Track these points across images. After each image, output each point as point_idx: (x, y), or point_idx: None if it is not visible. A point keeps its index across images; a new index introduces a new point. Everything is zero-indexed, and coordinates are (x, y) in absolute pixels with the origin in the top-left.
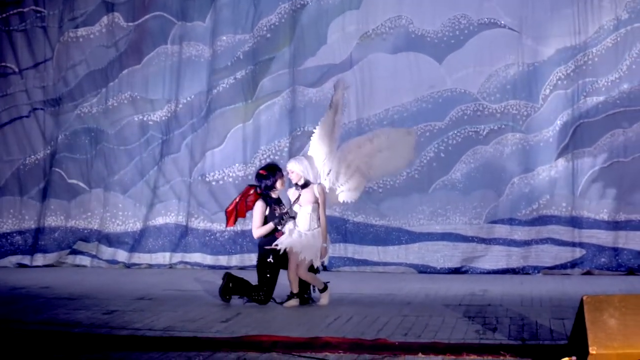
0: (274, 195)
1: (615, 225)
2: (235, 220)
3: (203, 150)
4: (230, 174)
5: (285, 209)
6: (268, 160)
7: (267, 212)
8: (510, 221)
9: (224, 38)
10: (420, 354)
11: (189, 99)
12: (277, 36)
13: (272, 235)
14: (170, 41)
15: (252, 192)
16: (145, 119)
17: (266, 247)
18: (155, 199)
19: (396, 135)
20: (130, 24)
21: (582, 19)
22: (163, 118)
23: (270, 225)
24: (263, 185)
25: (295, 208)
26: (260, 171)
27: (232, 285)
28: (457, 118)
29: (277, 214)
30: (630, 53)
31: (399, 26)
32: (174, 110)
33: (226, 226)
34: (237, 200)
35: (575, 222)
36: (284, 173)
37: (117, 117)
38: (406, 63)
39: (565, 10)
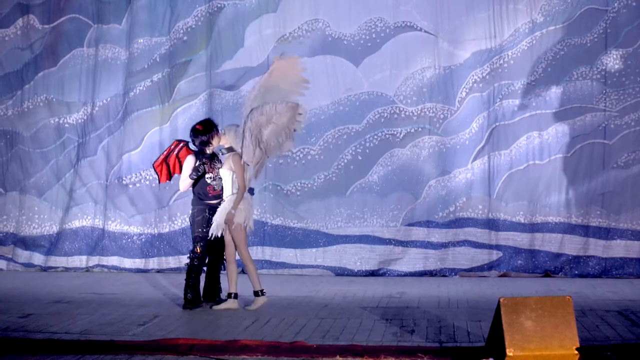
0: (208, 151)
1: (531, 228)
2: (170, 177)
3: (120, 153)
4: (147, 177)
5: (219, 166)
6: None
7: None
8: (428, 223)
9: (141, 41)
10: (338, 357)
11: (105, 101)
12: (194, 39)
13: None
14: (86, 44)
15: (181, 145)
16: (61, 121)
17: (207, 202)
18: (72, 202)
19: (283, 109)
20: (46, 26)
21: (497, 22)
22: (79, 121)
23: (187, 178)
24: (199, 140)
25: (221, 172)
26: (197, 126)
27: (191, 297)
28: (374, 121)
29: (201, 169)
30: (546, 56)
31: (315, 29)
32: (90, 113)
33: (159, 182)
34: (165, 154)
35: (491, 224)
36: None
37: (32, 119)
38: (323, 66)
39: (481, 13)
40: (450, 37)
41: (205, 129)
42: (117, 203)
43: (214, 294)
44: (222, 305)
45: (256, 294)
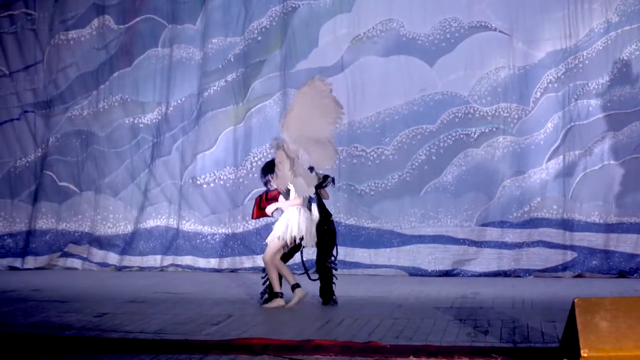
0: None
1: (606, 228)
2: (259, 216)
3: (194, 153)
4: (221, 177)
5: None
6: (259, 163)
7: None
8: (502, 224)
9: (215, 41)
10: (411, 357)
11: (179, 101)
12: (268, 39)
13: None
14: (160, 44)
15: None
16: (135, 121)
17: None
18: (146, 201)
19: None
20: (121, 26)
21: (572, 22)
22: (154, 121)
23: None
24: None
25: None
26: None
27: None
28: (449, 121)
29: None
30: (621, 56)
31: (390, 29)
32: (165, 113)
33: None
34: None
35: (566, 224)
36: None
37: (107, 119)
38: (397, 66)
39: (556, 13)
40: (524, 37)
41: (263, 173)
42: (191, 203)
43: (328, 296)
44: (270, 304)
45: (275, 295)
